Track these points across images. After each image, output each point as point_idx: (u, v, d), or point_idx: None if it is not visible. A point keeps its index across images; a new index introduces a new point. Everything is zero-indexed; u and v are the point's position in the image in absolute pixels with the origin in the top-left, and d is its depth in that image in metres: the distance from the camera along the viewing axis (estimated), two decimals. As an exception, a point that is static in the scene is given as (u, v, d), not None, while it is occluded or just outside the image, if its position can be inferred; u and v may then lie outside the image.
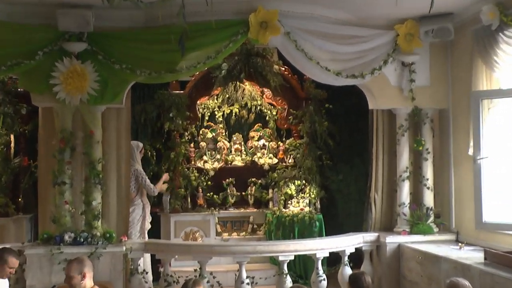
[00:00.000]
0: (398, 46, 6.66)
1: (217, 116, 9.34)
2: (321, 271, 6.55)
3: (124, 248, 6.18)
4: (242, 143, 9.37)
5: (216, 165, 9.07)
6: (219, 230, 8.65)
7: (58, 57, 6.04)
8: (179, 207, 8.52)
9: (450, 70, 7.03)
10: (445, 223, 7.05)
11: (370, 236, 6.98)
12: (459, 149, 6.73)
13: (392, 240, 6.79)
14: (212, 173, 8.96)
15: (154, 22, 6.16)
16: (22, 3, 5.97)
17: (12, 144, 8.37)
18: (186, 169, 8.77)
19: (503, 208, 5.96)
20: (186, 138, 8.96)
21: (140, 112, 8.49)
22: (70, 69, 6.03)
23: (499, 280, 4.90)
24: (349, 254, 6.76)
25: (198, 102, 9.02)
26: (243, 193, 9.01)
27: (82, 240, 6.03)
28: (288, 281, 6.36)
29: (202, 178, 8.87)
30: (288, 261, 6.45)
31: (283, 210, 8.43)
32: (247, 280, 6.30)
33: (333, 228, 8.02)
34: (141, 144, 7.56)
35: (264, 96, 9.23)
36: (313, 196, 8.46)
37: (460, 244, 6.35)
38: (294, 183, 8.63)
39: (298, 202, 8.50)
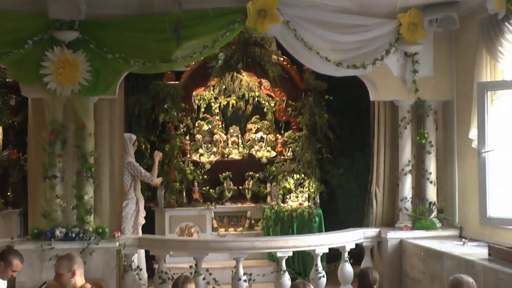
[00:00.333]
0: (401, 36, 6.65)
1: (213, 108, 9.33)
2: (320, 268, 6.56)
3: (117, 243, 6.18)
4: (239, 135, 9.36)
5: (213, 158, 9.07)
6: (215, 225, 8.66)
7: (49, 46, 6.02)
8: (174, 201, 8.52)
9: (454, 61, 7.02)
10: (449, 218, 7.06)
11: (371, 231, 6.99)
12: (463, 142, 6.73)
13: (393, 236, 6.79)
14: (208, 166, 8.96)
15: (149, 9, 6.11)
16: (10, -11, 5.95)
17: (1, 137, 8.36)
18: (181, 163, 8.76)
19: (508, 203, 5.97)
20: (182, 130, 8.95)
21: (134, 103, 8.47)
22: (61, 59, 6.01)
23: (504, 276, 4.91)
24: (349, 250, 6.76)
25: (194, 93, 9.00)
26: (240, 187, 9.02)
27: (73, 235, 6.03)
28: (287, 278, 6.38)
29: (198, 171, 8.86)
30: (287, 257, 6.45)
31: (282, 205, 8.43)
32: (244, 277, 6.30)
33: (333, 223, 8.04)
34: (134, 137, 7.57)
35: (262, 87, 9.22)
36: (312, 190, 8.46)
37: (463, 239, 6.35)
38: (293, 177, 8.63)
39: (297, 197, 8.50)
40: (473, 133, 6.33)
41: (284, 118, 9.30)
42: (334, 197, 8.89)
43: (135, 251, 6.53)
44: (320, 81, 8.60)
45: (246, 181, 9.05)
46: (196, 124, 9.23)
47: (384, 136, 7.27)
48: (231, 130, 9.35)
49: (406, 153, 7.04)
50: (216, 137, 9.21)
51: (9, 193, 8.32)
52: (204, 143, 9.17)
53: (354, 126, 8.74)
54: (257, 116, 9.41)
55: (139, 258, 6.98)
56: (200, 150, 9.11)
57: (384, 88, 7.01)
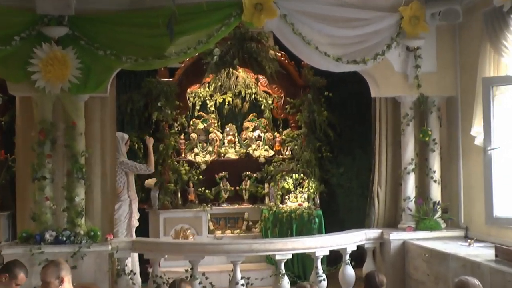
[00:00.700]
0: (403, 30, 6.64)
1: (208, 106, 9.30)
2: (320, 271, 6.56)
3: (109, 247, 6.17)
4: (236, 134, 9.34)
5: (208, 158, 9.05)
6: (211, 227, 8.64)
7: (37, 43, 6.00)
8: (169, 203, 8.50)
9: (458, 55, 7.03)
10: (453, 218, 7.06)
11: (373, 232, 7.00)
12: (468, 139, 6.72)
13: (396, 237, 6.80)
14: (203, 166, 8.94)
15: (141, 4, 6.13)
16: (-5, -17, 5.93)
17: (-13, 137, 8.33)
18: (176, 163, 8.74)
19: (515, 202, 5.99)
20: (176, 129, 8.93)
21: (126, 101, 8.45)
22: (50, 56, 5.99)
23: (511, 278, 4.91)
24: (350, 252, 6.77)
25: (188, 90, 8.99)
26: (237, 187, 9.00)
27: (64, 239, 6.02)
28: (286, 281, 6.38)
29: (193, 172, 8.84)
30: (286, 260, 6.46)
31: (280, 205, 8.42)
32: (242, 281, 6.31)
33: (333, 224, 8.06)
34: (126, 136, 7.57)
35: (259, 83, 9.20)
36: (312, 190, 8.46)
37: (469, 240, 6.36)
38: (291, 177, 8.62)
39: (296, 197, 8.50)
40: (475, 130, 6.34)
41: (282, 115, 9.28)
42: (334, 197, 8.90)
43: (128, 255, 6.52)
44: (319, 77, 8.60)
45: (243, 182, 9.03)
46: (191, 123, 9.21)
47: (386, 134, 7.28)
48: (227, 129, 9.33)
49: (409, 151, 7.04)
50: (211, 136, 9.19)
51: (-4, 196, 8.29)
52: (199, 142, 9.15)
53: (355, 123, 8.75)
54: (254, 114, 9.40)
55: (132, 262, 6.97)
56: (195, 150, 9.09)
57: (385, 84, 7.01)
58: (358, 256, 7.05)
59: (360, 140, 8.58)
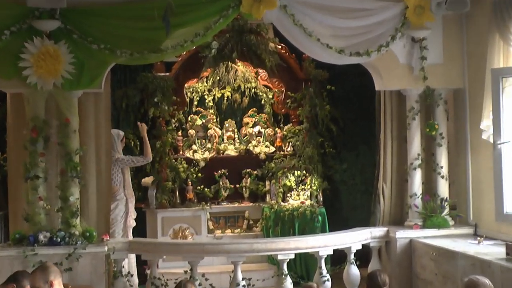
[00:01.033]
0: (407, 20, 6.62)
1: (207, 101, 9.29)
2: (324, 271, 6.56)
3: (106, 248, 6.16)
4: (235, 130, 9.34)
5: (207, 155, 9.04)
6: (211, 227, 8.64)
7: (28, 37, 5.98)
8: (167, 202, 8.50)
9: (465, 46, 7.01)
10: (462, 216, 7.05)
11: (379, 231, 6.98)
12: (476, 133, 6.71)
13: (403, 235, 6.79)
14: (202, 164, 8.93)
15: (136, -4, 6.11)
16: (-17, -25, 5.91)
17: (-23, 135, 8.30)
18: (173, 160, 8.74)
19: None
20: (173, 125, 8.92)
21: (121, 97, 8.45)
22: (41, 50, 5.97)
23: (523, 277, 4.91)
24: (355, 251, 6.76)
25: (185, 85, 8.97)
26: (237, 185, 8.99)
27: (59, 240, 6.01)
28: (288, 282, 6.40)
29: (192, 169, 8.83)
30: (288, 260, 6.47)
31: (282, 203, 8.42)
32: (243, 282, 6.31)
33: (337, 222, 8.06)
34: (122, 133, 7.57)
35: (259, 77, 9.19)
36: (314, 187, 8.47)
37: (478, 238, 6.35)
38: (293, 174, 8.63)
39: (298, 195, 8.50)
40: (485, 124, 6.32)
41: (283, 110, 9.27)
42: (338, 194, 8.91)
43: (125, 256, 6.52)
44: (321, 70, 8.60)
45: (244, 179, 9.02)
46: (189, 119, 9.20)
47: (391, 128, 7.26)
48: (227, 125, 9.32)
49: (415, 146, 7.02)
50: (210, 132, 9.18)
51: (-13, 196, 8.28)
52: (197, 139, 9.14)
53: (358, 117, 8.75)
54: (254, 109, 9.39)
55: (129, 263, 6.97)
56: (194, 147, 9.08)
57: (390, 76, 6.99)
58: (363, 255, 7.04)
59: (364, 135, 8.58)
